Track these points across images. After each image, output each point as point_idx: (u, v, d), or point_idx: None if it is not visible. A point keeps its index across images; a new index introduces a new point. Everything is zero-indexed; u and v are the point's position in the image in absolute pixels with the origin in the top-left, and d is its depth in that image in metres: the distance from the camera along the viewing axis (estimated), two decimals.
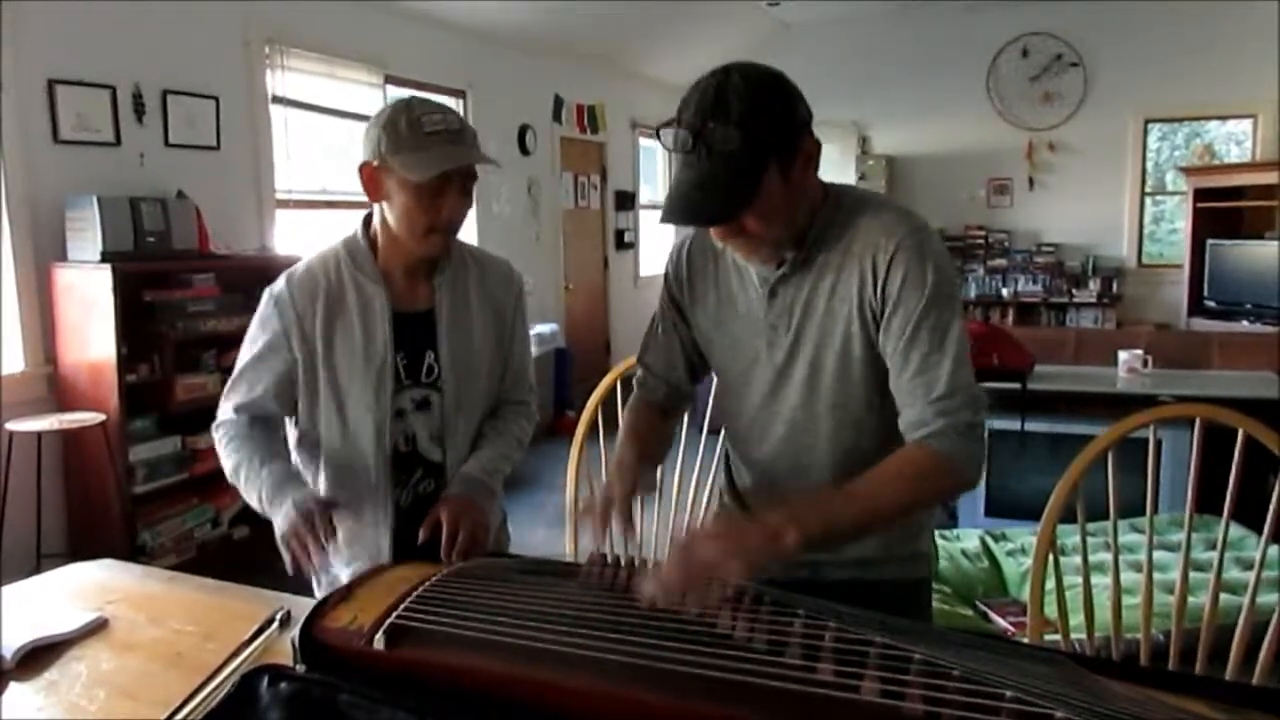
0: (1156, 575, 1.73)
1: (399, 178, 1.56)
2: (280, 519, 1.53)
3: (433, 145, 1.55)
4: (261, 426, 1.71)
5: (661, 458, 1.62)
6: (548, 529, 4.43)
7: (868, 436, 1.39)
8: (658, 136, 1.30)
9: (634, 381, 1.64)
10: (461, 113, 6.00)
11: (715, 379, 1.57)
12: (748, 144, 1.22)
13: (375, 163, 1.59)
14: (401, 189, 1.58)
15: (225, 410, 1.72)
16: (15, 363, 3.62)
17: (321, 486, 1.70)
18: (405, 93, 5.32)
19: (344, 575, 1.68)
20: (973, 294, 8.44)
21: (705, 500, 2.06)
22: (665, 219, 1.28)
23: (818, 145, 1.31)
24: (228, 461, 1.67)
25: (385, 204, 1.63)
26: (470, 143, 1.61)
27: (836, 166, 8.07)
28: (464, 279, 1.75)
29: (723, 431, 1.61)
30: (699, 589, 1.11)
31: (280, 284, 1.69)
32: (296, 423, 1.73)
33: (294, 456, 1.75)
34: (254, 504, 1.62)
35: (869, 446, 1.37)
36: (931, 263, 1.29)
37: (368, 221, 1.72)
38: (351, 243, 1.71)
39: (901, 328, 1.30)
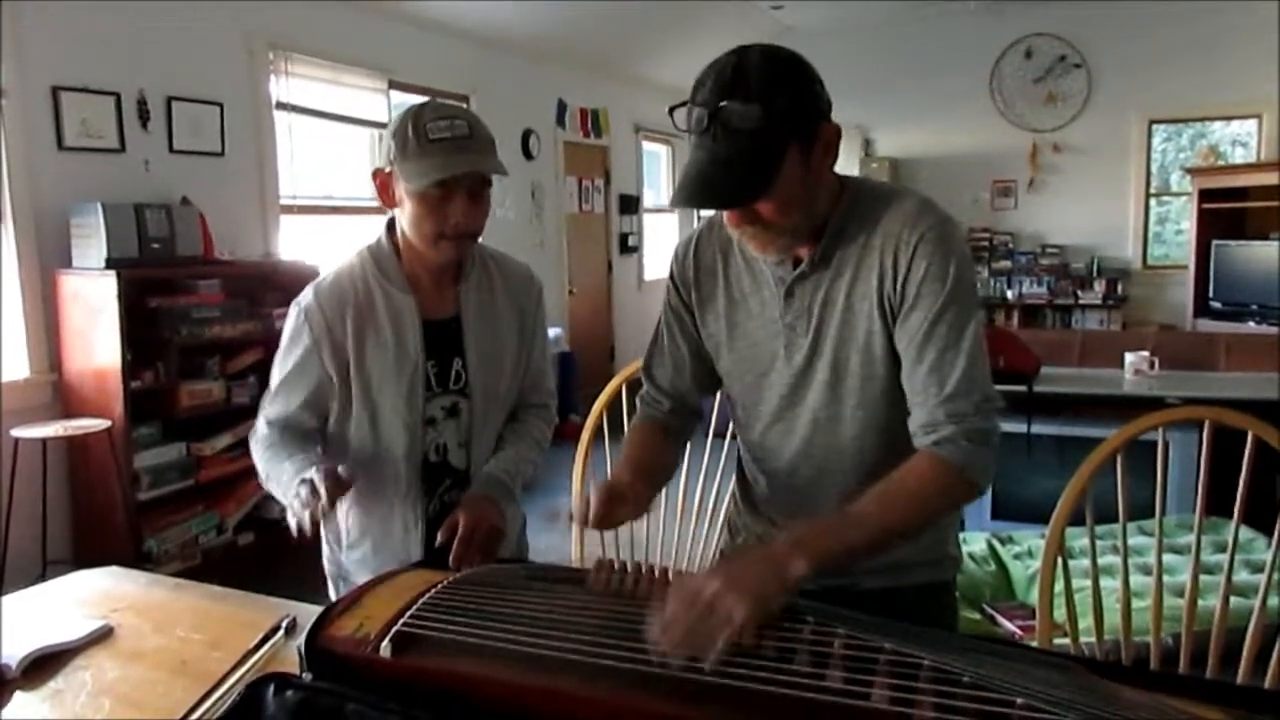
0: (1166, 578, 1.72)
1: (404, 184, 1.57)
2: (294, 491, 1.49)
3: (435, 153, 1.53)
4: (294, 436, 1.69)
5: (658, 487, 1.47)
6: (553, 534, 4.42)
7: (893, 436, 1.33)
8: (671, 117, 1.23)
9: (638, 399, 1.56)
10: None
11: (725, 384, 1.49)
12: (768, 123, 1.16)
13: (386, 169, 1.60)
14: (409, 196, 1.58)
15: (260, 424, 1.71)
16: (20, 369, 3.63)
17: (351, 494, 1.64)
18: (410, 98, 5.33)
19: None
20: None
21: (711, 507, 2.05)
22: (678, 201, 1.21)
23: (838, 132, 1.24)
24: (262, 471, 1.66)
25: (399, 211, 1.63)
26: (478, 149, 1.57)
27: (840, 169, 7.98)
28: (487, 284, 1.75)
29: (738, 440, 1.53)
30: (705, 633, 1.01)
31: (308, 296, 1.67)
32: (325, 434, 1.72)
33: None
34: (281, 498, 1.57)
35: (894, 446, 1.32)
36: (954, 257, 1.25)
37: (391, 226, 1.70)
38: (376, 250, 1.69)
39: (919, 323, 1.25)
